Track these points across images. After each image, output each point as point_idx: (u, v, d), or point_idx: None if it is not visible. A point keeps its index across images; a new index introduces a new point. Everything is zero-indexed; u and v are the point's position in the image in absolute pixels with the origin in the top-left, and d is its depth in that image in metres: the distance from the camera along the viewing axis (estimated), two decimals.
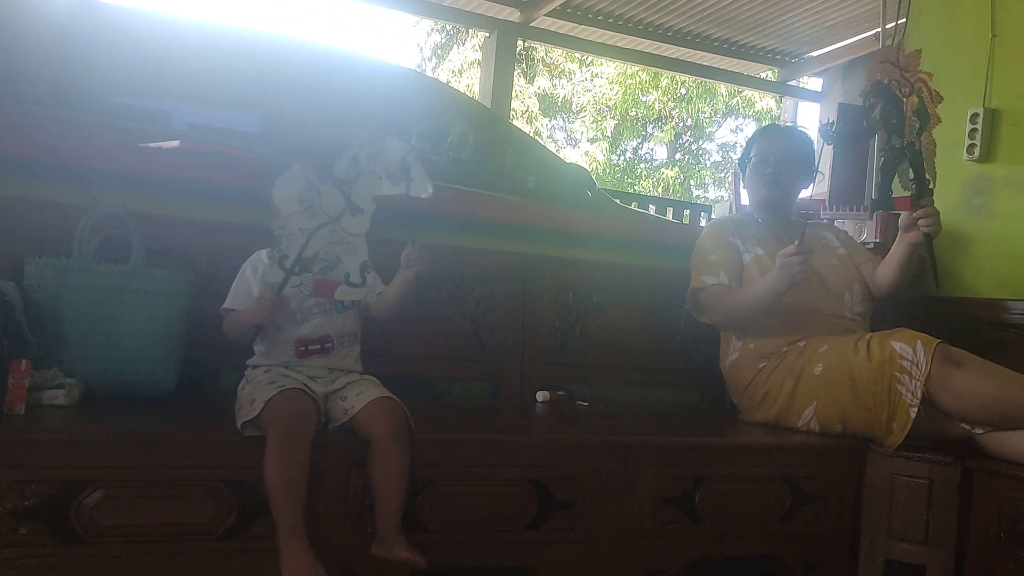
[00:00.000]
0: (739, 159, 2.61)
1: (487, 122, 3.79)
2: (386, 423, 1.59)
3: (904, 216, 2.28)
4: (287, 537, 1.48)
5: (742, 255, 2.39)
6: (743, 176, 2.56)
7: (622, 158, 16.20)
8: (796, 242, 2.14)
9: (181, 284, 1.83)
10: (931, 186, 2.45)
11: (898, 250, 2.32)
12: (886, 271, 2.39)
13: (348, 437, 1.62)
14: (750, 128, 16.06)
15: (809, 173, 2.52)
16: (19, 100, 2.46)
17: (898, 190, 2.91)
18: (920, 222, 2.19)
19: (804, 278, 2.16)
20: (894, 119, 2.34)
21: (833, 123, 2.86)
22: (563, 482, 1.81)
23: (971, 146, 2.70)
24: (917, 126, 2.64)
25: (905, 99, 2.59)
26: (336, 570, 1.60)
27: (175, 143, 2.06)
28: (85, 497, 1.44)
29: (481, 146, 3.02)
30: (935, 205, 2.22)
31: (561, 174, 3.67)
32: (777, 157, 2.43)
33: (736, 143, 16.24)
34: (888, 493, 2.05)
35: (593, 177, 3.88)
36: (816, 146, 2.62)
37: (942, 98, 2.83)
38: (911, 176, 2.27)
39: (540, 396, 2.36)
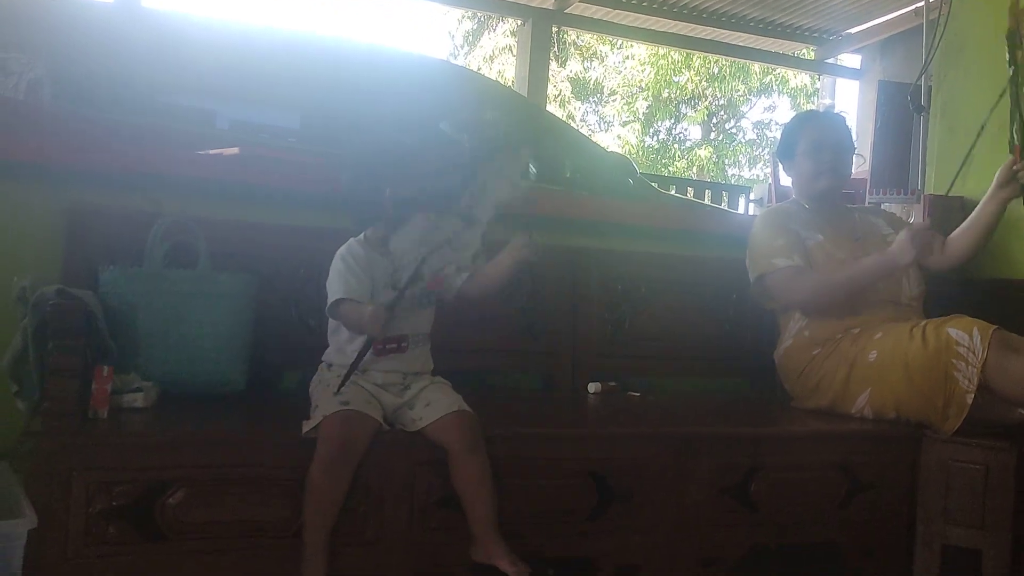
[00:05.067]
0: (779, 147, 2.56)
1: (524, 111, 3.82)
2: (460, 435, 1.62)
3: (1002, 169, 2.23)
4: (310, 554, 1.53)
5: (804, 241, 2.37)
6: (787, 165, 2.55)
7: (655, 139, 16.09)
8: (925, 218, 2.12)
9: (246, 286, 1.89)
10: None
11: (986, 210, 2.27)
12: (966, 237, 2.32)
13: (413, 437, 1.67)
14: (784, 105, 15.86)
15: (853, 159, 2.52)
16: (69, 103, 2.54)
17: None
18: (1021, 175, 2.15)
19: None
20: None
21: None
22: (621, 474, 1.84)
23: None
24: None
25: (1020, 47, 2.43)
26: (403, 564, 1.65)
27: (235, 150, 2.12)
28: (168, 497, 1.51)
29: (518, 137, 3.05)
30: None
31: (601, 162, 3.69)
32: (833, 144, 2.41)
33: (771, 120, 16.06)
34: (944, 479, 2.05)
35: (634, 164, 3.89)
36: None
37: None
38: (1016, 125, 2.23)
39: (592, 387, 2.39)
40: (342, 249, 1.75)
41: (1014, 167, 2.19)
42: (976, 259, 2.41)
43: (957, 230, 2.37)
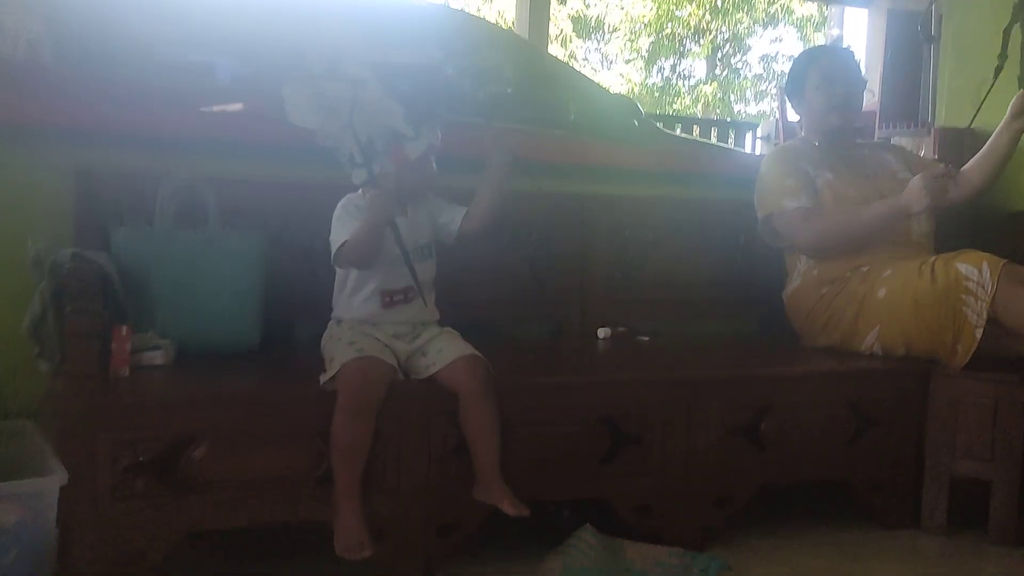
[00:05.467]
0: (788, 83, 2.52)
1: (525, 54, 3.76)
2: (470, 380, 1.66)
3: (1016, 99, 2.22)
4: (342, 498, 1.58)
5: (814, 179, 2.36)
6: (796, 101, 2.51)
7: (659, 76, 15.84)
8: (945, 165, 2.12)
9: (257, 245, 1.90)
10: None
11: (1000, 140, 2.26)
12: (981, 169, 2.31)
13: (429, 386, 1.70)
14: (791, 37, 15.54)
15: (864, 93, 2.48)
16: (70, 62, 2.52)
17: None
18: None
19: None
20: None
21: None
22: (632, 418, 1.88)
23: None
24: None
25: None
26: (423, 511, 1.70)
27: (238, 106, 2.11)
28: (192, 451, 1.55)
29: (520, 79, 3.01)
30: None
31: (605, 105, 3.64)
32: (844, 79, 2.37)
33: (778, 53, 15.76)
34: (953, 413, 2.08)
35: (639, 106, 3.84)
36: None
37: None
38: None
39: (601, 333, 2.41)
40: (342, 201, 1.79)
41: None
42: (987, 192, 2.40)
43: (971, 162, 2.35)
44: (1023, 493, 2.03)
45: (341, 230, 1.73)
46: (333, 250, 1.73)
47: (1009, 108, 2.26)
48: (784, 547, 1.99)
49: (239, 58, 3.00)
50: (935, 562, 1.96)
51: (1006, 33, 2.39)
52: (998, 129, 2.28)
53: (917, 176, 2.17)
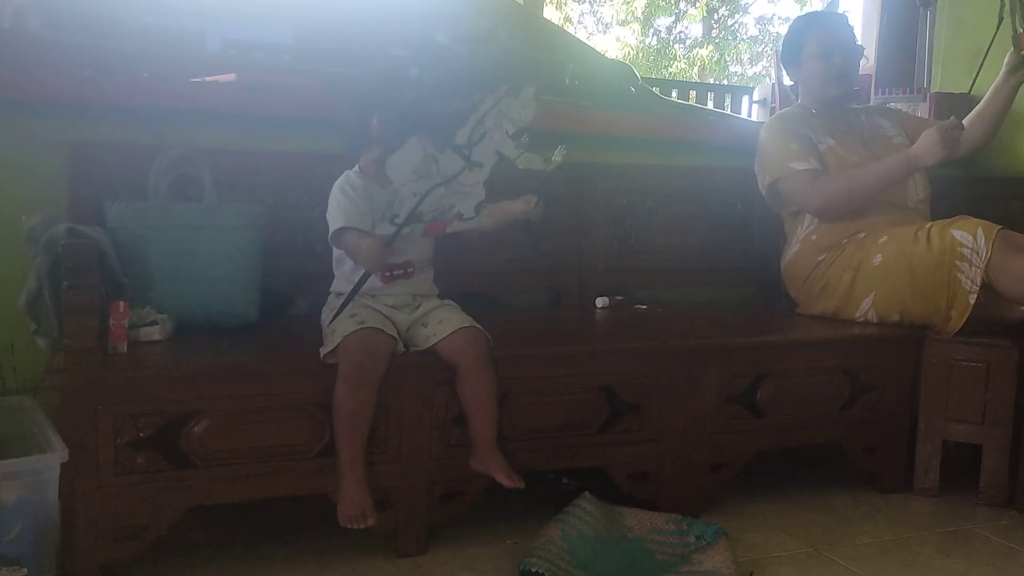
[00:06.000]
0: (784, 51, 2.50)
1: (519, 18, 3.71)
2: (470, 350, 1.67)
3: (1010, 55, 2.24)
4: (346, 468, 1.60)
5: (817, 145, 2.35)
6: (792, 70, 2.49)
7: (655, 39, 15.67)
8: (951, 116, 2.15)
9: (254, 217, 1.89)
10: None
11: (999, 95, 2.28)
12: (981, 124, 2.34)
13: (429, 358, 1.71)
14: None
15: (861, 59, 2.47)
16: (58, 32, 2.48)
17: None
18: None
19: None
20: None
21: None
22: (630, 386, 1.89)
23: None
24: None
25: None
26: (425, 479, 1.72)
27: (231, 76, 2.08)
28: (193, 426, 1.56)
29: (515, 43, 2.98)
30: None
31: (601, 70, 3.61)
32: (841, 48, 2.35)
33: (774, 15, 15.61)
34: (945, 377, 2.11)
35: (636, 71, 3.81)
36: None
37: None
38: (1021, 11, 2.25)
39: (599, 302, 2.41)
40: (339, 180, 1.77)
41: (1022, 53, 2.21)
42: (983, 156, 2.41)
43: (969, 116, 2.37)
44: (1014, 455, 2.06)
45: (339, 212, 1.72)
46: (331, 229, 1.72)
47: (1004, 64, 2.29)
48: (779, 511, 2.02)
49: (230, 23, 2.96)
50: (928, 524, 2.00)
51: None
52: (994, 86, 2.31)
53: (931, 128, 2.16)
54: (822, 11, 2.60)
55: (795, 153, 2.31)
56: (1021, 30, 2.34)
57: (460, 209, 1.67)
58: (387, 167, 1.64)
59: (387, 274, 1.71)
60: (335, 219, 1.72)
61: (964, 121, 2.31)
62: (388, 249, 1.65)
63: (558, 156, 1.71)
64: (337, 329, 1.64)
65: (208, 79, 2.11)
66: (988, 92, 2.32)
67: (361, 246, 1.67)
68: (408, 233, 1.67)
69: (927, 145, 2.14)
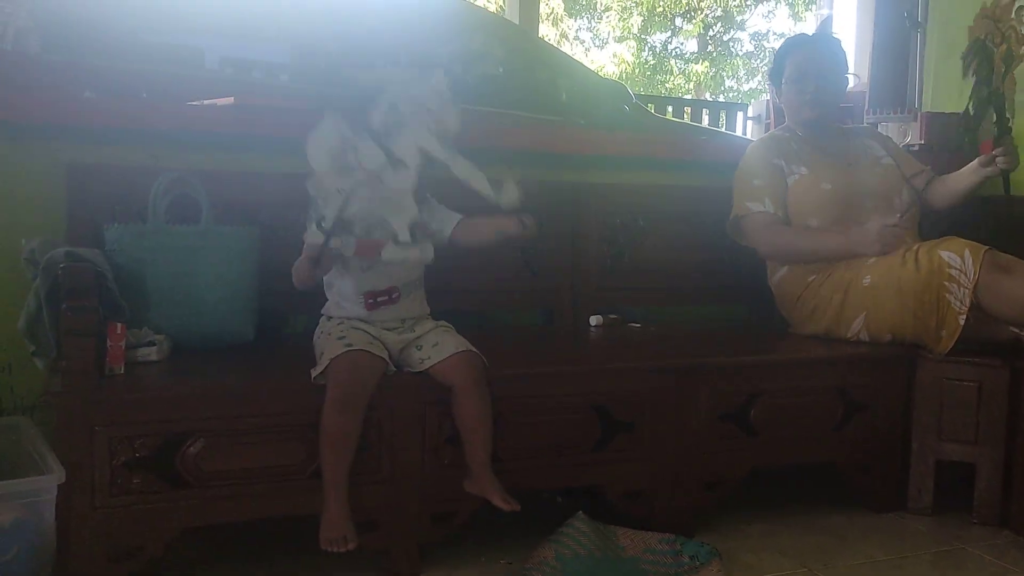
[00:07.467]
0: (770, 71, 2.55)
1: (515, 37, 3.75)
2: (467, 374, 1.68)
3: (984, 155, 2.32)
4: (329, 489, 1.60)
5: (786, 177, 2.39)
6: (776, 91, 2.53)
7: (651, 55, 15.77)
8: (899, 216, 2.26)
9: (250, 238, 1.91)
10: (1010, 125, 2.57)
11: (970, 179, 2.36)
12: (948, 195, 2.42)
13: (421, 379, 1.71)
14: (782, 13, 15.50)
15: (845, 81, 2.49)
16: (58, 53, 2.50)
17: None
18: (999, 160, 2.27)
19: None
20: (985, 71, 2.59)
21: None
22: (624, 405, 1.90)
23: None
24: (1003, 70, 2.64)
25: (996, 48, 2.65)
26: (418, 498, 1.73)
27: (229, 100, 2.11)
28: (188, 447, 1.57)
29: (511, 62, 3.00)
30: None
31: (595, 89, 3.64)
32: (816, 73, 2.39)
33: (769, 31, 15.71)
34: (938, 396, 2.12)
35: (630, 90, 3.84)
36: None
37: None
38: (994, 119, 2.44)
39: (593, 320, 2.43)
40: None
41: (992, 153, 2.29)
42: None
43: (942, 181, 2.43)
44: (1007, 474, 2.07)
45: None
46: None
47: (976, 160, 2.35)
48: (773, 531, 2.03)
49: (227, 38, 2.98)
50: (922, 543, 2.00)
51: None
52: (968, 169, 2.37)
53: (872, 223, 2.26)
54: (808, 35, 2.61)
55: (756, 191, 2.37)
56: (991, 136, 2.53)
57: (394, 226, 1.61)
58: (307, 150, 1.57)
59: (370, 301, 1.71)
60: None
61: (941, 179, 2.43)
62: (326, 256, 1.61)
63: (511, 192, 1.61)
64: (325, 352, 1.64)
65: (206, 102, 2.13)
66: (963, 172, 2.39)
67: (298, 265, 1.68)
68: (339, 248, 1.60)
69: (864, 239, 2.24)
